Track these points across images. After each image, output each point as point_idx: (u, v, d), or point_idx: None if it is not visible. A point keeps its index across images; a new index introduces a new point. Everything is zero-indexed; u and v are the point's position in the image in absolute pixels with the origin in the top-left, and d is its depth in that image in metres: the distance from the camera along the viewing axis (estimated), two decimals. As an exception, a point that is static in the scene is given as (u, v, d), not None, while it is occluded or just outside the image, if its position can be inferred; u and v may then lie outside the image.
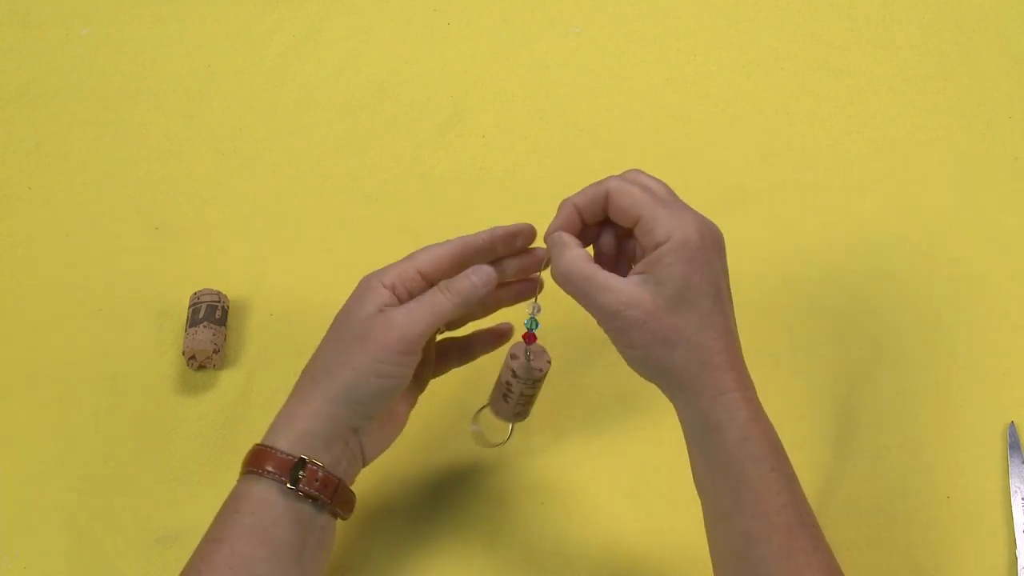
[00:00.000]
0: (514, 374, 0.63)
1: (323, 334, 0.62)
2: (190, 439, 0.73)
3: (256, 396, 0.75)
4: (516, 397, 0.63)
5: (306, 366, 0.61)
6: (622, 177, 0.59)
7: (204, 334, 0.74)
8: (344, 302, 0.61)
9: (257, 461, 0.58)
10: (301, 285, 0.80)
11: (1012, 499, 0.67)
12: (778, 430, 0.71)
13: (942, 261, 0.79)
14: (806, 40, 0.94)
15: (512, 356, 0.63)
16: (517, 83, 0.93)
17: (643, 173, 0.60)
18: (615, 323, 0.56)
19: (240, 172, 0.88)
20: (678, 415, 0.58)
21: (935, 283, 0.78)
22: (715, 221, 0.86)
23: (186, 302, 0.77)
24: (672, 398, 0.58)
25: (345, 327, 0.60)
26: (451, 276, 0.61)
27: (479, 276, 0.61)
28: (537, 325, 0.62)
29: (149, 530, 0.69)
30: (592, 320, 0.57)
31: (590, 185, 0.60)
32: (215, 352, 0.74)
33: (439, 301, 0.60)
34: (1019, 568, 0.65)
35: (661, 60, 0.94)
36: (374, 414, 0.60)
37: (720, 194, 0.84)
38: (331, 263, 0.82)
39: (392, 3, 0.99)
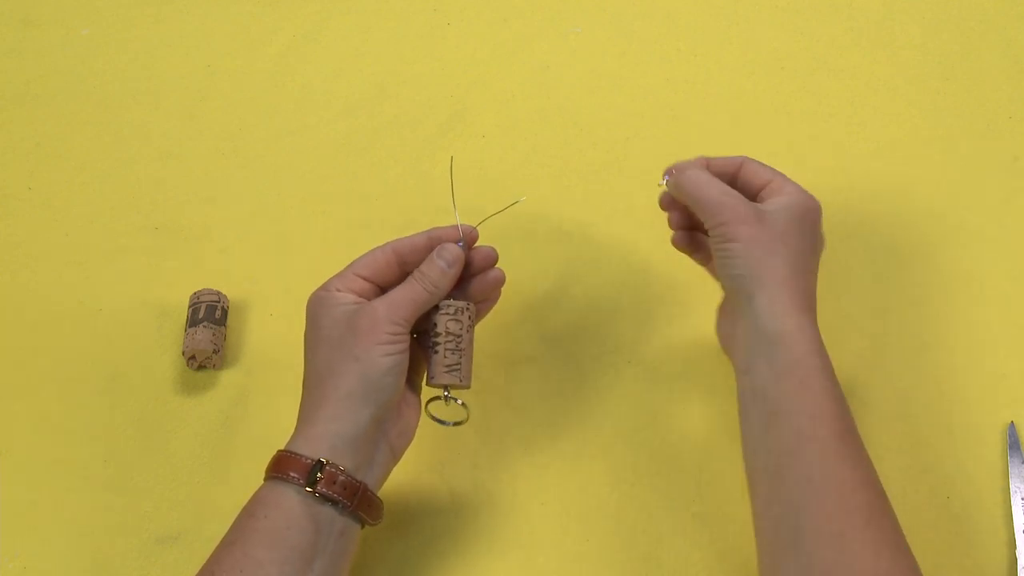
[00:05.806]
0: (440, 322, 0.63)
1: (323, 334, 0.62)
2: (190, 439, 0.73)
3: (256, 396, 0.75)
4: (447, 339, 0.63)
5: (304, 379, 0.61)
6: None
7: (204, 334, 0.74)
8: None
9: (280, 467, 0.57)
10: (301, 285, 0.80)
11: (1012, 499, 0.67)
12: (778, 430, 0.71)
13: (942, 261, 0.79)
14: (806, 40, 0.94)
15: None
16: (517, 83, 0.93)
17: None
18: (725, 216, 0.61)
19: (240, 172, 0.88)
20: (743, 324, 0.60)
21: (934, 283, 0.78)
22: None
23: (186, 302, 0.77)
24: (747, 302, 0.60)
25: (326, 331, 0.60)
26: (389, 275, 0.63)
27: (445, 258, 0.62)
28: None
29: (149, 530, 0.69)
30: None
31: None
32: (215, 352, 0.74)
33: (415, 288, 0.61)
34: (1019, 568, 0.65)
35: (661, 60, 0.94)
36: (393, 397, 0.59)
37: (720, 194, 0.84)
38: (331, 263, 0.81)
39: (392, 3, 0.99)
